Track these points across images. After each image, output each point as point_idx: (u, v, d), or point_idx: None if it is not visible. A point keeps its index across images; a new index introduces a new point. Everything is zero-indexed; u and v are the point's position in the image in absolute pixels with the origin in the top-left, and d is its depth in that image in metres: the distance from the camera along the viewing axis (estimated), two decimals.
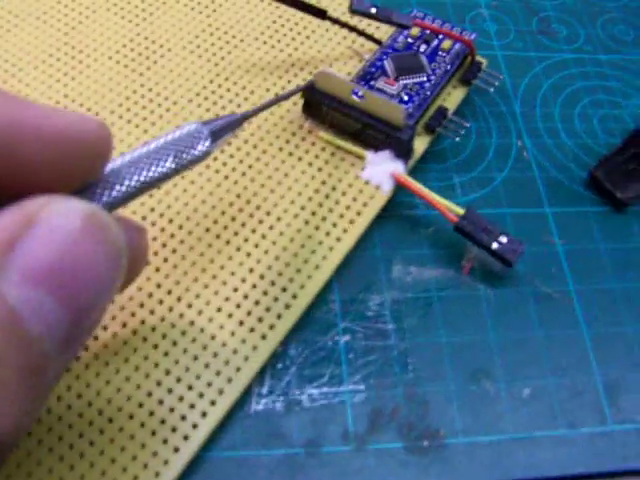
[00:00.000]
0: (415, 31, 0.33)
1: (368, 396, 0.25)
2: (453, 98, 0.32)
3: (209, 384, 0.24)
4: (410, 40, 0.33)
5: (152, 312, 0.25)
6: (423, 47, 0.32)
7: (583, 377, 0.26)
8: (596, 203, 0.32)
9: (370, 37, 0.32)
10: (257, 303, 0.26)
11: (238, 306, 0.26)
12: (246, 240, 0.27)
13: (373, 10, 0.30)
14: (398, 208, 0.30)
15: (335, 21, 0.32)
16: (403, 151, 0.29)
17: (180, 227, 0.28)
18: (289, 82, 0.32)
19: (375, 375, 0.26)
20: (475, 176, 0.31)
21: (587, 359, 0.27)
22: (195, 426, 0.23)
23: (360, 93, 0.28)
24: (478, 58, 0.33)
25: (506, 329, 0.27)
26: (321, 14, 0.31)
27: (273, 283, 0.26)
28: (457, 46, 0.32)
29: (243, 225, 0.28)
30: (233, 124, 0.23)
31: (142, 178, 0.20)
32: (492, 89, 0.32)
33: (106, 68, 0.32)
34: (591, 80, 0.36)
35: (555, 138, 0.33)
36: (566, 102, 0.35)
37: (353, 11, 0.30)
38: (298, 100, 0.31)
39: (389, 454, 0.24)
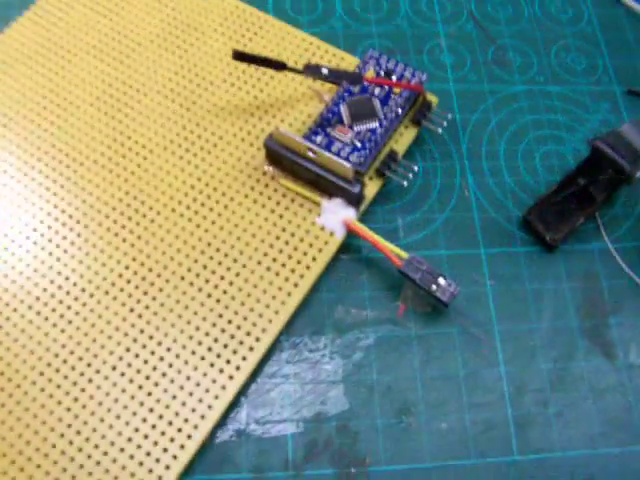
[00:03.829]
0: (371, 73, 0.36)
1: (306, 428, 0.30)
2: (404, 139, 0.35)
3: (186, 419, 0.29)
4: (365, 83, 0.35)
5: (127, 349, 0.30)
6: (377, 90, 0.35)
7: (497, 413, 0.31)
8: (527, 243, 0.35)
9: (329, 81, 0.35)
10: (225, 346, 0.30)
11: (209, 349, 0.30)
12: (216, 287, 0.32)
13: (325, 71, 0.32)
14: (347, 251, 0.34)
15: (294, 70, 0.34)
16: (353, 201, 0.33)
17: (159, 275, 0.32)
18: (254, 126, 0.35)
19: (313, 410, 0.30)
20: (418, 217, 0.35)
21: (502, 396, 0.31)
22: (175, 457, 0.28)
23: (311, 154, 0.32)
24: (429, 97, 0.36)
25: (432, 368, 0.32)
26: (281, 66, 0.34)
27: (239, 327, 0.31)
28: (408, 89, 0.35)
29: (213, 273, 0.32)
30: None
31: None
32: (440, 130, 0.35)
33: (88, 116, 0.35)
34: (539, 114, 0.38)
35: (497, 177, 0.36)
36: (512, 138, 0.37)
37: (306, 73, 0.33)
38: (262, 146, 0.34)
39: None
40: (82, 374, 0.30)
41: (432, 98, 0.36)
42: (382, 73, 0.36)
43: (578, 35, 0.41)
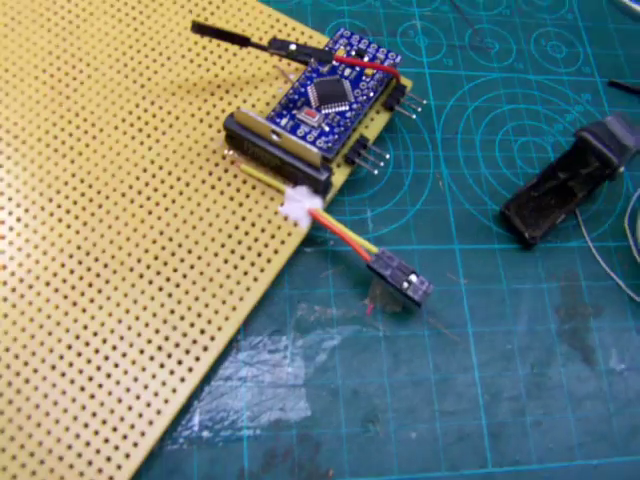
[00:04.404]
0: (341, 52, 0.33)
1: (264, 437, 0.27)
2: (375, 125, 0.33)
3: (132, 425, 0.26)
4: (335, 63, 0.33)
5: (69, 347, 0.27)
6: (347, 71, 0.33)
7: (470, 422, 0.29)
8: (504, 240, 0.33)
9: (295, 59, 0.33)
10: (177, 346, 0.28)
11: (159, 348, 0.27)
12: (168, 280, 0.29)
13: (293, 47, 0.30)
14: (311, 244, 0.31)
15: (258, 46, 0.32)
16: (320, 189, 0.30)
17: (105, 266, 0.29)
18: (214, 106, 0.33)
19: (272, 416, 0.28)
20: (388, 209, 0.33)
21: (476, 404, 0.29)
22: (119, 467, 0.26)
23: (275, 137, 0.29)
24: (403, 81, 0.33)
25: (401, 372, 0.29)
26: (244, 42, 0.31)
27: (192, 325, 0.28)
28: (381, 72, 0.33)
29: (165, 264, 0.29)
30: None
31: None
32: (414, 116, 0.33)
33: (33, 90, 0.32)
34: (518, 103, 0.36)
35: (473, 168, 0.34)
36: (489, 128, 0.35)
37: (272, 48, 0.30)
38: (222, 128, 0.31)
39: None
40: (18, 374, 0.27)
41: (406, 82, 0.34)
42: (353, 54, 0.33)
43: (559, 22, 0.39)
